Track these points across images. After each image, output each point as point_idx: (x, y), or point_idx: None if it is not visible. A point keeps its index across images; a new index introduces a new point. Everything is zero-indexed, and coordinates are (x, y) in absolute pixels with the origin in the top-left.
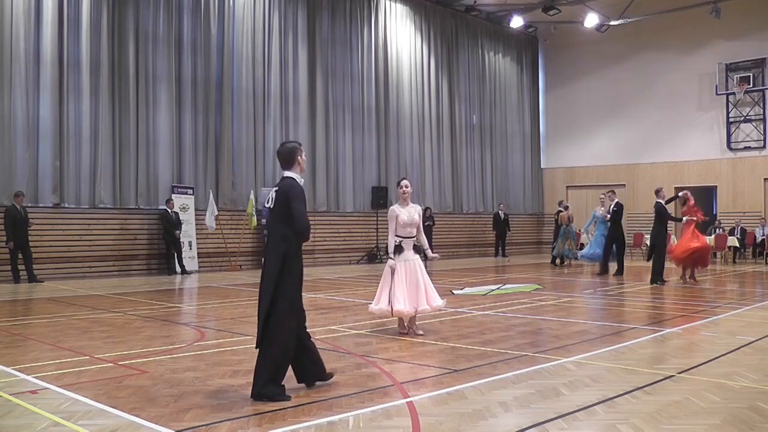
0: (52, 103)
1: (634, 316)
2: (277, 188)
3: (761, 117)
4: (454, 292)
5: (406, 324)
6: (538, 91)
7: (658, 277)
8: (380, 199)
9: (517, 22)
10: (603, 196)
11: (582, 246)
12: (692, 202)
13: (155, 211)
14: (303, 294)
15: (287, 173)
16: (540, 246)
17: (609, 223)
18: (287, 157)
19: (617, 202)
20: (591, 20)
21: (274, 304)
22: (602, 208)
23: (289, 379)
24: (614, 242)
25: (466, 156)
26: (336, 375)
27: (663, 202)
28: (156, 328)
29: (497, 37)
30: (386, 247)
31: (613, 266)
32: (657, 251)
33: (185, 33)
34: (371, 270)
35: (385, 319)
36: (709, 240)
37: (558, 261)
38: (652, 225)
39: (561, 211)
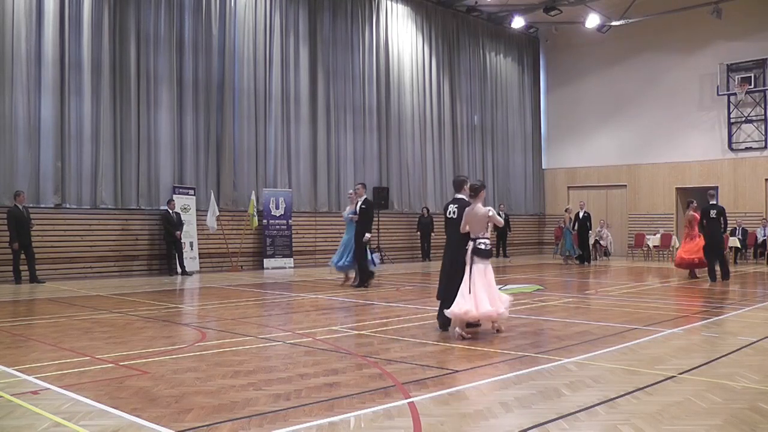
0: (54, 104)
1: (636, 316)
2: (457, 205)
3: (762, 117)
4: None
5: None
6: (539, 91)
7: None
8: (381, 199)
9: (518, 22)
10: (351, 193)
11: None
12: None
13: (156, 212)
14: (304, 294)
15: (459, 196)
16: (541, 246)
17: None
18: (458, 185)
19: (366, 199)
20: (592, 21)
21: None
22: (350, 207)
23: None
24: (364, 246)
25: (467, 156)
26: (337, 375)
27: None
28: (157, 329)
29: (498, 38)
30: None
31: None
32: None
33: (186, 33)
34: None
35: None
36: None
37: (568, 259)
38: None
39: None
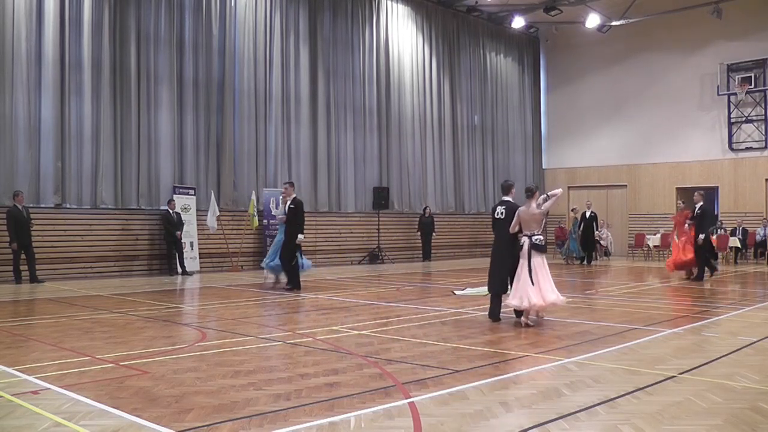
0: (54, 104)
1: (636, 316)
2: (505, 206)
3: (762, 117)
4: (456, 292)
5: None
6: (539, 91)
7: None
8: (382, 199)
9: (518, 22)
10: (283, 191)
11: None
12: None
13: (157, 212)
14: (305, 294)
15: (506, 198)
16: None
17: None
18: (506, 189)
19: (294, 198)
20: (592, 21)
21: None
22: (282, 207)
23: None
24: (292, 248)
25: (467, 156)
26: (337, 375)
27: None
28: (157, 329)
29: (499, 38)
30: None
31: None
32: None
33: (187, 33)
34: (372, 270)
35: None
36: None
37: (569, 259)
38: (692, 224)
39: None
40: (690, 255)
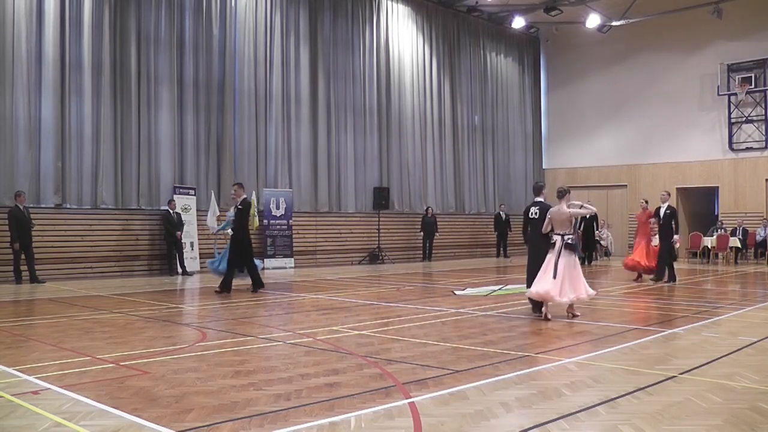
0: (54, 104)
1: (636, 316)
2: (538, 207)
3: (763, 117)
4: (456, 292)
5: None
6: (539, 91)
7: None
8: (382, 199)
9: (518, 22)
10: (233, 193)
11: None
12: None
13: (157, 212)
14: (305, 294)
15: (538, 199)
16: None
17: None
18: (537, 190)
19: (243, 200)
20: (593, 21)
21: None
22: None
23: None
24: (240, 250)
25: (467, 156)
26: (338, 375)
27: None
28: (158, 329)
29: (499, 38)
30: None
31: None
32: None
33: (187, 34)
34: (372, 270)
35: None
36: (711, 241)
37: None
38: (660, 227)
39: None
40: (652, 261)
